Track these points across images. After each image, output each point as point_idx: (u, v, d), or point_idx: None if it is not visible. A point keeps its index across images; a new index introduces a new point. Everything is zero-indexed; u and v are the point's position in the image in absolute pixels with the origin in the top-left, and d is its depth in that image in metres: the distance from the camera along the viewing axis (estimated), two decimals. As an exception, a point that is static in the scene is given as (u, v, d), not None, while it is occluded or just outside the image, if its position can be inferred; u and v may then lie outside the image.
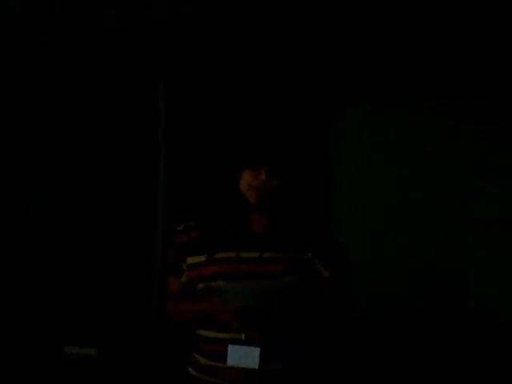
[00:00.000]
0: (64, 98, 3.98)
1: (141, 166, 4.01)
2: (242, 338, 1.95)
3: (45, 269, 3.86)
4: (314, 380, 2.09)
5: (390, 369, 3.83)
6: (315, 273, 2.05)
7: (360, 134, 4.28)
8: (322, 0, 3.05)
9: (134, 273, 3.92)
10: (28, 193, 3.97)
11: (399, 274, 4.00)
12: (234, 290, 1.92)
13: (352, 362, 3.78)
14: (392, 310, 3.98)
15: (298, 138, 2.28)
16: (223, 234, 2.07)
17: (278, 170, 2.04)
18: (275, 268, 2.00)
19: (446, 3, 3.09)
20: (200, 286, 2.06)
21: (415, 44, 3.57)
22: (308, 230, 2.11)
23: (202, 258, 2.07)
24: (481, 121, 3.92)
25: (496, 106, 3.87)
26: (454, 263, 3.93)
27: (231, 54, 3.73)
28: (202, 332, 2.08)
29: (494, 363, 3.64)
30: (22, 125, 3.95)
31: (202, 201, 2.20)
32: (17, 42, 3.57)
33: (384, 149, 4.19)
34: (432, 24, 3.32)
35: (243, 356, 1.95)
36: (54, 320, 3.79)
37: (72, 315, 3.83)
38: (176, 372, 2.25)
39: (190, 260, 2.09)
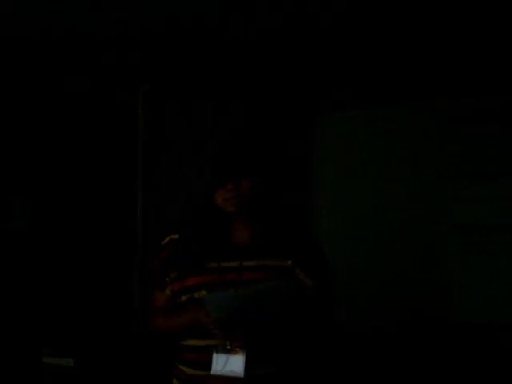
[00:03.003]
0: (49, 100, 3.95)
1: (123, 171, 4.00)
2: (228, 346, 1.94)
3: (22, 279, 3.81)
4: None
5: (381, 369, 3.84)
6: (296, 280, 2.04)
7: (343, 139, 4.30)
8: (318, 1, 3.04)
9: (114, 283, 3.89)
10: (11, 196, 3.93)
11: (386, 275, 4.02)
12: (215, 301, 1.91)
13: (341, 363, 3.79)
14: (381, 311, 4.00)
15: (280, 144, 2.27)
16: (205, 246, 2.08)
17: (258, 180, 2.07)
18: (256, 276, 2.00)
19: (439, 9, 3.08)
20: (183, 297, 2.07)
21: (406, 49, 3.57)
22: (290, 237, 2.10)
23: (184, 270, 2.07)
24: (468, 126, 3.94)
25: (484, 112, 3.89)
26: (442, 266, 3.97)
27: (221, 57, 3.73)
28: (186, 341, 2.07)
29: (485, 363, 3.66)
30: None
31: (183, 214, 2.21)
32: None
33: (369, 153, 4.20)
34: (427, 30, 3.33)
35: (228, 364, 1.93)
36: (32, 331, 3.75)
37: (50, 326, 3.80)
38: (160, 384, 2.22)
39: (173, 273, 2.10)
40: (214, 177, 2.07)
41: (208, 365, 1.95)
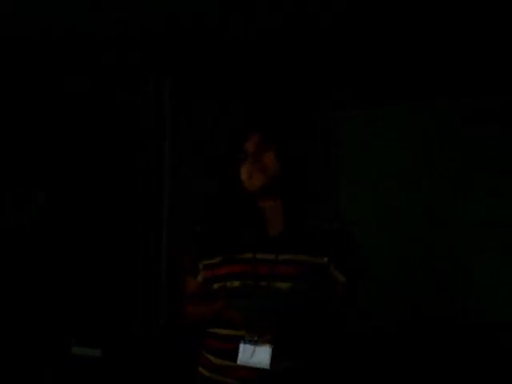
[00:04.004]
0: (68, 97, 3.96)
1: (146, 165, 3.99)
2: (255, 338, 1.95)
3: (50, 270, 3.84)
4: (324, 380, 2.08)
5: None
6: (329, 278, 2.04)
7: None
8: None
9: (141, 274, 3.90)
10: (32, 191, 3.94)
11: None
12: (241, 304, 1.92)
13: (360, 361, 3.79)
14: (393, 310, 4.00)
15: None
16: (239, 235, 2.06)
17: (281, 153, 2.09)
18: (289, 271, 1.99)
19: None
20: (215, 286, 2.06)
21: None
22: (326, 233, 2.08)
23: (218, 259, 2.06)
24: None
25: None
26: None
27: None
28: (214, 329, 2.07)
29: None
30: (23, 125, 3.92)
31: (215, 201, 2.19)
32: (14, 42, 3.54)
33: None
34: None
35: (255, 355, 1.94)
36: (60, 321, 3.78)
37: (78, 316, 3.82)
38: (185, 373, 2.25)
39: (207, 261, 2.09)
40: (237, 151, 2.07)
41: (234, 354, 1.96)
